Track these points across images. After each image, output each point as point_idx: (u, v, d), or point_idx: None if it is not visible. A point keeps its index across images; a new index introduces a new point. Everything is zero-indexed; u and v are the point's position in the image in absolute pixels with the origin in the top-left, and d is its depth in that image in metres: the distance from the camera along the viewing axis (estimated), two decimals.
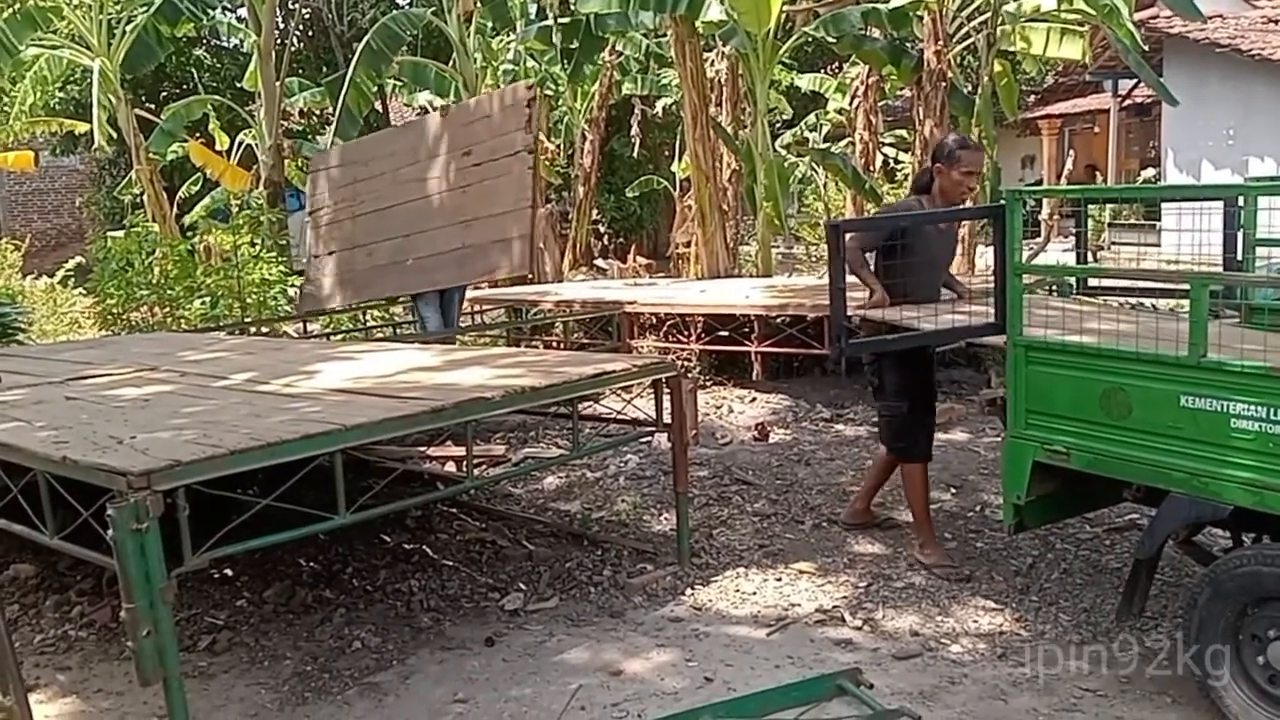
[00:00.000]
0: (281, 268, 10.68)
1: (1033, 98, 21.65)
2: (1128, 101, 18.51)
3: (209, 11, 13.49)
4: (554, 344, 9.42)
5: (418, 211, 8.05)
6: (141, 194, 13.52)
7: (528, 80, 8.78)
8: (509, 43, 16.32)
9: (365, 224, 8.47)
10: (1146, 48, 13.48)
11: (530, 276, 10.16)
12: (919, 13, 11.66)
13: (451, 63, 13.35)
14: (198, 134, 16.68)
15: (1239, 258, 4.30)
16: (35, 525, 3.63)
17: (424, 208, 8.00)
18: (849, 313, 4.31)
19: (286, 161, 14.65)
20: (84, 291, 13.08)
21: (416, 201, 8.06)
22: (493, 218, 7.38)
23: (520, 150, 7.19)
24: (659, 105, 18.51)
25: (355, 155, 9.10)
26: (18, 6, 11.70)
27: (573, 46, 12.46)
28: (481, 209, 7.49)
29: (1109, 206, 15.79)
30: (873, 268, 4.74)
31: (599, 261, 17.88)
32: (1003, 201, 3.84)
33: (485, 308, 10.47)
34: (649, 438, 6.27)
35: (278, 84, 13.28)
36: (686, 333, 9.15)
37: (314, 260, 8.94)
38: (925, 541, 4.80)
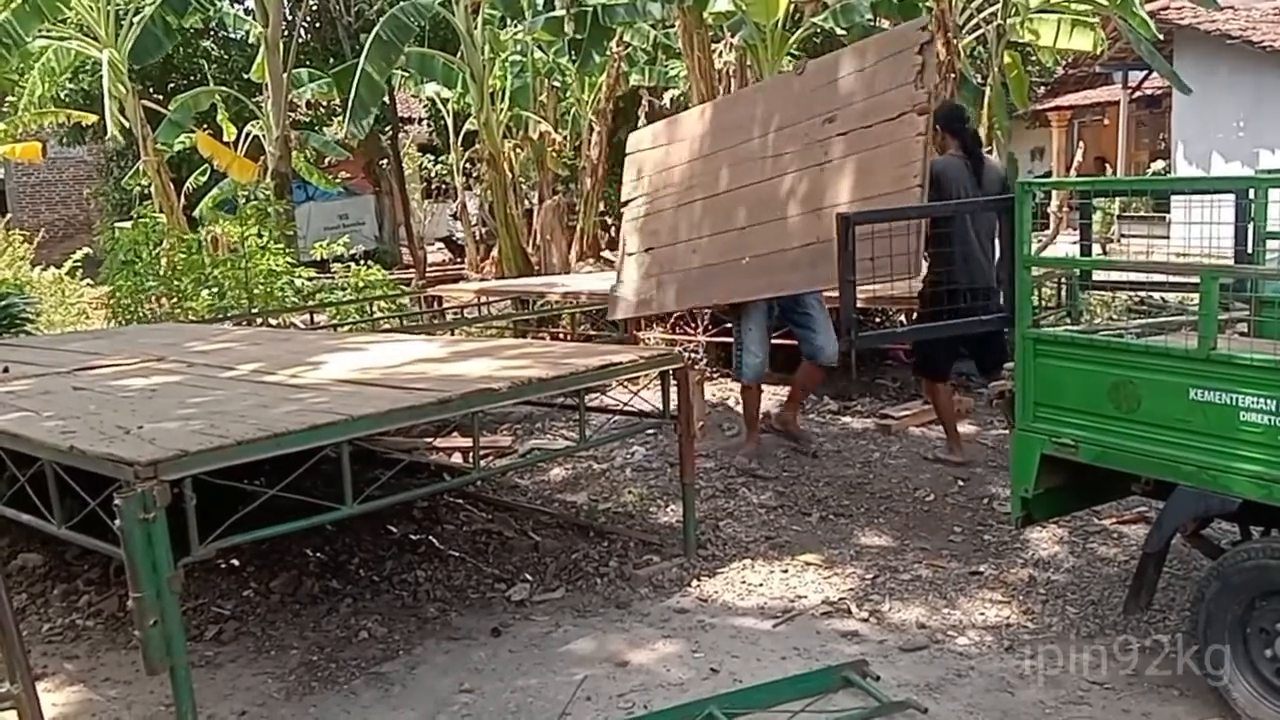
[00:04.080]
0: (289, 259, 10.68)
1: (1042, 89, 21.54)
2: (1137, 93, 18.43)
3: (216, 3, 13.50)
4: (561, 335, 9.42)
5: (757, 198, 6.11)
6: (149, 185, 13.52)
7: (919, 20, 6.50)
8: (516, 34, 16.28)
9: (690, 214, 6.65)
10: (1161, 36, 13.39)
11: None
12: (928, 3, 11.59)
13: (459, 54, 13.33)
14: (205, 125, 16.65)
15: (1249, 251, 4.28)
16: (43, 515, 3.65)
17: (767, 192, 6.04)
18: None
19: (294, 153, 14.66)
20: (91, 282, 13.11)
21: (756, 185, 6.15)
22: (863, 202, 5.30)
23: (907, 111, 5.18)
24: (666, 97, 18.40)
25: (675, 133, 7.24)
26: None
27: (580, 37, 12.43)
28: (847, 192, 5.50)
29: (1118, 199, 15.71)
30: None
31: (606, 253, 17.82)
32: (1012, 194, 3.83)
33: (491, 299, 10.47)
34: (655, 429, 6.26)
35: (285, 75, 13.28)
36: (693, 324, 9.13)
37: (627, 259, 7.11)
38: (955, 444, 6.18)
